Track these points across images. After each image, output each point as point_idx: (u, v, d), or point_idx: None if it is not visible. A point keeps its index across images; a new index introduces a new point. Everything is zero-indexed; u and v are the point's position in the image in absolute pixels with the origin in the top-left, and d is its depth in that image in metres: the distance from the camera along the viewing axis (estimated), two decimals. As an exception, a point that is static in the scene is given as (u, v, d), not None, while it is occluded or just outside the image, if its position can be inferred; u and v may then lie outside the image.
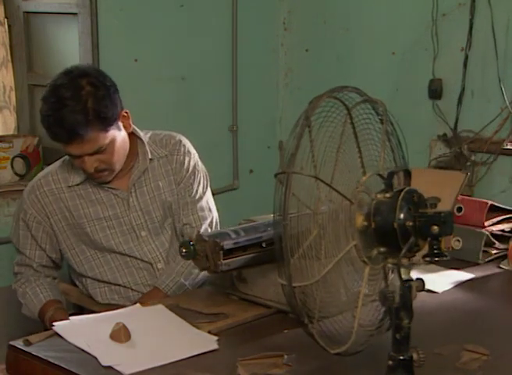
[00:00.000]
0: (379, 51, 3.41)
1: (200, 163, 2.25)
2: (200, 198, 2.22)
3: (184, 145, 2.21)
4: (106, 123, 1.97)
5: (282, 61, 3.80)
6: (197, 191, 2.21)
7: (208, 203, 2.26)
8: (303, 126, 1.32)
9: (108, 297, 2.16)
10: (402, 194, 1.32)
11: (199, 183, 2.22)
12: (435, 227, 1.29)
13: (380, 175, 1.40)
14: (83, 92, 1.94)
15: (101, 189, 2.11)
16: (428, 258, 1.31)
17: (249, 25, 3.62)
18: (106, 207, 2.12)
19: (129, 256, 2.13)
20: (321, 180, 1.34)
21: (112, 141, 2.00)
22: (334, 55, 3.58)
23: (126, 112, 2.07)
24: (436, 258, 1.31)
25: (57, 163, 2.17)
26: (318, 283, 1.34)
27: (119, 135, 2.03)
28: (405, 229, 1.31)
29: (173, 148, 2.19)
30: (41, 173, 2.17)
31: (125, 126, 2.06)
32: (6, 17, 3.29)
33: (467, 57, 3.11)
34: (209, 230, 2.20)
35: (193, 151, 2.24)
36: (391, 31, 3.35)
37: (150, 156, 2.14)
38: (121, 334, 1.58)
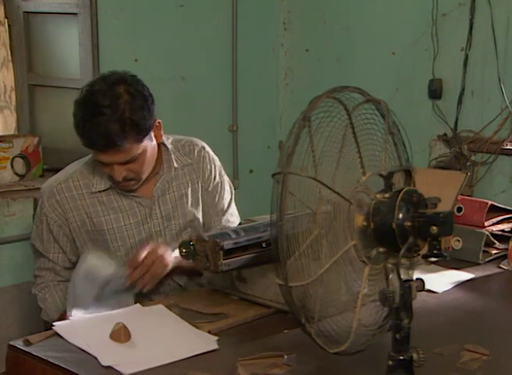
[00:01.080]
0: (379, 51, 3.41)
1: (223, 170, 2.25)
2: (229, 205, 2.24)
3: (208, 152, 2.21)
4: (142, 133, 1.95)
5: (282, 61, 3.80)
6: (225, 198, 2.23)
7: (235, 209, 2.28)
8: (300, 127, 1.32)
9: None
10: (401, 194, 1.32)
11: (225, 190, 2.23)
12: (434, 228, 1.29)
13: (382, 175, 1.40)
14: (121, 101, 1.91)
15: (124, 197, 2.09)
16: (432, 259, 1.31)
17: (249, 25, 3.62)
18: (128, 215, 2.09)
19: None
20: (319, 181, 1.34)
21: (144, 152, 1.98)
22: (334, 55, 3.58)
23: (159, 122, 2.04)
24: (436, 259, 1.31)
25: (77, 167, 2.13)
26: (315, 283, 1.34)
27: (150, 145, 2.01)
28: (403, 229, 1.31)
29: (198, 155, 2.18)
30: (61, 176, 2.12)
31: (156, 136, 2.03)
32: (6, 17, 3.29)
33: (467, 57, 3.11)
34: None
35: (215, 157, 2.24)
36: (391, 31, 3.35)
37: (175, 165, 2.13)
38: (121, 334, 1.58)
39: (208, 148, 2.23)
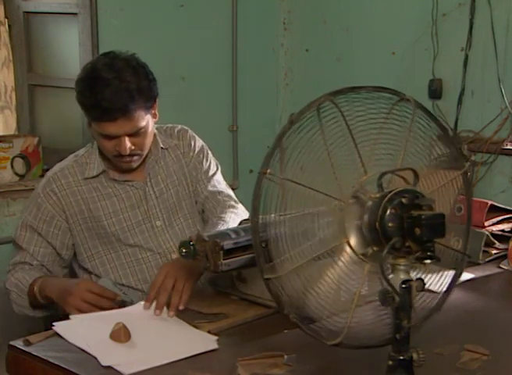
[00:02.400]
0: (379, 51, 3.41)
1: (207, 148, 2.30)
2: (215, 173, 2.28)
3: (187, 130, 2.29)
4: (149, 101, 2.03)
5: (282, 61, 3.80)
6: (209, 166, 2.27)
7: (222, 179, 2.31)
8: (285, 129, 1.34)
9: None
10: (389, 195, 1.32)
11: (210, 161, 2.28)
12: (418, 229, 1.28)
13: (398, 174, 1.39)
14: (125, 73, 1.99)
15: (117, 183, 2.13)
16: (427, 261, 1.31)
17: (249, 25, 3.62)
18: (122, 198, 2.13)
19: (144, 248, 2.12)
20: (295, 182, 1.35)
21: (147, 125, 2.05)
22: (334, 55, 3.58)
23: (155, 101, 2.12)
24: (429, 261, 1.30)
25: (70, 159, 2.17)
26: (288, 276, 1.35)
27: (151, 121, 2.08)
28: (386, 230, 1.31)
29: (178, 134, 2.26)
30: (55, 169, 2.16)
31: (154, 114, 2.11)
32: (6, 17, 3.30)
33: (467, 57, 3.11)
34: (234, 198, 2.26)
35: (197, 137, 2.30)
36: (391, 31, 3.35)
37: (161, 145, 2.19)
38: (121, 334, 1.58)
39: (187, 128, 2.29)
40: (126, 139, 2.01)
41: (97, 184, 2.12)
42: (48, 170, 3.07)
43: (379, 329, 1.41)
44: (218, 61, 3.56)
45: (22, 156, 3.06)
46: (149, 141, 2.09)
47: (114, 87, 1.96)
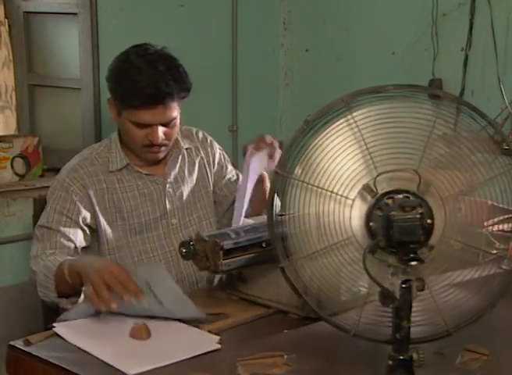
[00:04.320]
0: (379, 51, 3.41)
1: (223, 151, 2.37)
2: (238, 178, 2.32)
3: (204, 133, 2.34)
4: (183, 92, 2.09)
5: (282, 61, 3.80)
6: (232, 171, 2.34)
7: None
8: (301, 130, 1.37)
9: None
10: (377, 195, 1.34)
11: (229, 163, 2.35)
12: (391, 231, 1.29)
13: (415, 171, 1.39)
14: (161, 64, 2.04)
15: (138, 177, 2.15)
16: (413, 263, 1.32)
17: (249, 25, 3.63)
18: (144, 193, 2.14)
19: (155, 245, 2.14)
20: (304, 181, 1.38)
21: (177, 117, 2.09)
22: (334, 55, 3.58)
23: None
24: (413, 263, 1.31)
25: (92, 151, 2.15)
26: (300, 266, 1.42)
27: (179, 113, 2.11)
28: (370, 230, 1.34)
29: (197, 136, 2.30)
30: (77, 158, 2.13)
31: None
32: (6, 17, 3.30)
33: (467, 57, 3.12)
34: None
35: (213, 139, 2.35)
36: (391, 31, 3.36)
37: (182, 144, 2.21)
38: (142, 332, 1.58)
39: (203, 131, 2.34)
40: (159, 128, 2.04)
41: (121, 177, 2.14)
42: (48, 170, 3.10)
43: (385, 327, 1.42)
44: (218, 61, 3.56)
45: (22, 156, 3.06)
46: (176, 132, 2.14)
47: (151, 76, 2.00)
